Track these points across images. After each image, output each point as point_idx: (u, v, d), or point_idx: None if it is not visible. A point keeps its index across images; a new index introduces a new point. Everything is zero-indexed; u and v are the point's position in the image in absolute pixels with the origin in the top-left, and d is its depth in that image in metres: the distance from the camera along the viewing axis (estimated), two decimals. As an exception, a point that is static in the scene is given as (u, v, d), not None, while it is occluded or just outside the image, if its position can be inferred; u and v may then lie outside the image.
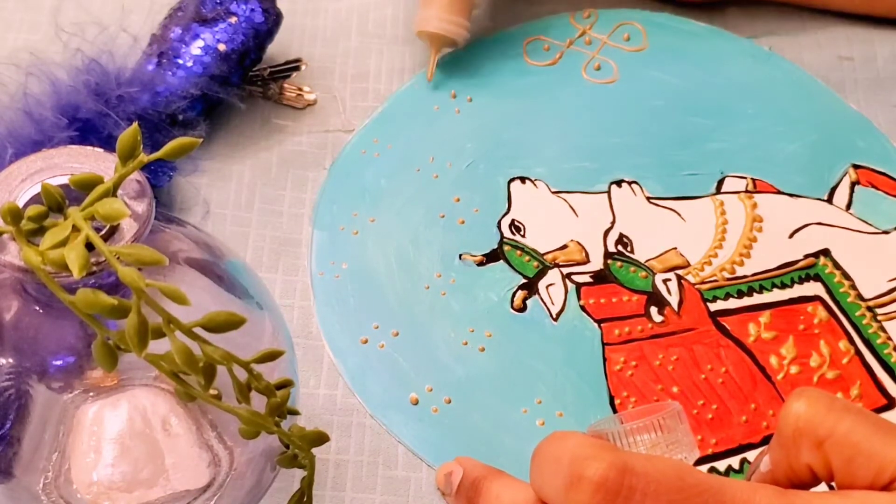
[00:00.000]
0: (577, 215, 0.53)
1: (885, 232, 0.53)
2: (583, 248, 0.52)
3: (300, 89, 0.57)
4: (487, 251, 0.52)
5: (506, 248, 0.52)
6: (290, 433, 0.38)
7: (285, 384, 0.36)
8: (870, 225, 0.53)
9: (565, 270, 0.52)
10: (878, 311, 0.50)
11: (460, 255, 0.52)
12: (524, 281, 0.51)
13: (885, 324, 0.50)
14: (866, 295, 0.51)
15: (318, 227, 0.53)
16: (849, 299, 0.51)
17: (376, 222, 0.53)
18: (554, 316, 0.50)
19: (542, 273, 0.51)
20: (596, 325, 0.50)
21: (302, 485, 0.41)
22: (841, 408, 0.33)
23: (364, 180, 0.54)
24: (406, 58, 0.59)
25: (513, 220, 0.53)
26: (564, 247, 0.52)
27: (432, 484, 0.46)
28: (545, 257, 0.52)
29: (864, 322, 0.50)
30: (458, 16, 0.55)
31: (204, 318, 0.32)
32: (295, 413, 0.38)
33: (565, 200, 0.54)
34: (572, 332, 0.50)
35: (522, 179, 0.54)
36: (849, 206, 0.54)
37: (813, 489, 0.34)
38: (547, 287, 0.51)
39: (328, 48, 0.59)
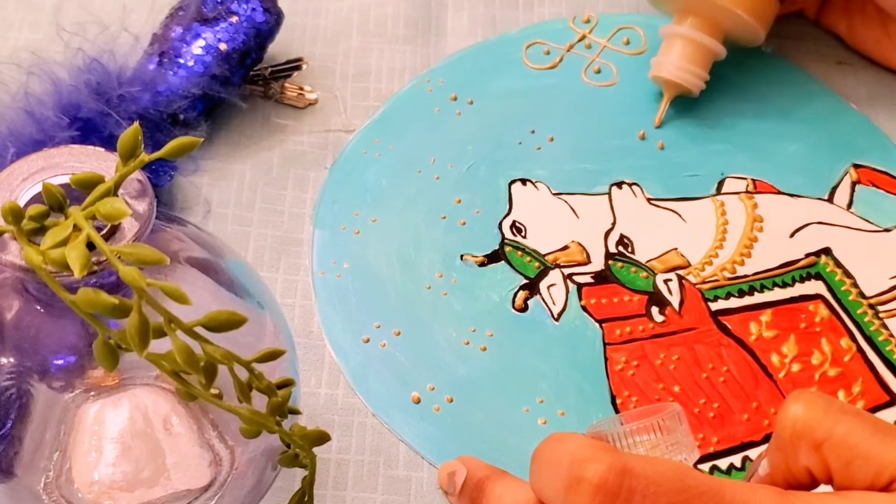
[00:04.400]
0: (577, 217, 0.53)
1: (887, 230, 0.53)
2: (584, 248, 0.52)
3: (301, 89, 0.57)
4: (489, 252, 0.52)
5: (507, 248, 0.52)
6: (292, 432, 0.38)
7: (286, 383, 0.36)
8: (871, 223, 0.53)
9: (566, 271, 0.52)
10: (880, 308, 0.50)
11: (461, 256, 0.52)
12: (525, 281, 0.51)
13: (886, 321, 0.50)
14: (868, 293, 0.51)
15: (320, 226, 0.53)
16: (850, 297, 0.51)
17: (378, 222, 0.53)
18: (555, 316, 0.50)
19: (543, 273, 0.51)
20: (597, 324, 0.50)
21: (303, 484, 0.41)
22: (838, 410, 0.33)
23: (365, 180, 0.55)
24: (407, 57, 0.59)
25: (514, 222, 0.53)
26: (565, 248, 0.52)
27: (434, 483, 0.46)
28: (546, 258, 0.52)
29: (866, 320, 0.50)
30: (697, 66, 0.55)
31: (205, 317, 0.32)
32: (296, 412, 0.38)
33: (566, 202, 0.54)
34: (574, 332, 0.50)
35: (523, 181, 0.55)
36: (850, 206, 0.54)
37: (813, 491, 0.34)
38: (548, 287, 0.51)
39: (329, 47, 0.60)
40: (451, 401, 0.48)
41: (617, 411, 0.48)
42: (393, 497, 0.45)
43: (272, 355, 0.34)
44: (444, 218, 0.53)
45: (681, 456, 0.34)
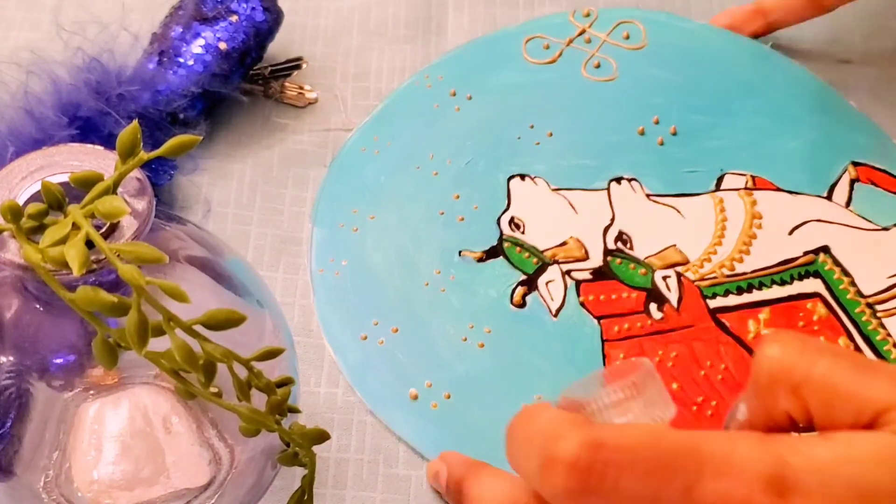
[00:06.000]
0: (576, 212, 0.53)
1: (885, 228, 0.53)
2: (582, 244, 0.52)
3: (301, 88, 0.57)
4: (487, 248, 0.52)
5: (505, 244, 0.52)
6: (291, 431, 0.38)
7: (285, 382, 0.36)
8: (869, 222, 0.53)
9: (565, 267, 0.52)
10: (878, 307, 0.50)
11: (460, 252, 0.52)
12: (524, 277, 0.51)
13: (884, 320, 0.50)
14: (866, 292, 0.51)
15: (318, 224, 0.53)
16: (848, 296, 0.51)
17: (376, 219, 0.53)
18: (553, 312, 0.50)
19: (541, 270, 0.51)
20: (595, 321, 0.50)
21: (303, 483, 0.41)
22: (815, 349, 0.31)
23: (364, 178, 0.55)
24: (407, 57, 0.59)
25: (512, 218, 0.53)
26: (564, 243, 0.52)
27: (433, 481, 0.46)
28: (545, 254, 0.52)
29: (864, 319, 0.50)
30: None
31: (204, 315, 0.32)
32: (295, 411, 0.38)
33: (565, 197, 0.54)
34: (572, 329, 0.50)
35: (522, 177, 0.55)
36: (848, 203, 0.54)
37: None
38: (546, 283, 0.51)
39: (329, 47, 0.59)
40: (449, 398, 0.48)
41: (615, 409, 0.48)
42: (392, 496, 0.45)
43: (271, 354, 0.34)
44: (443, 214, 0.53)
45: (657, 413, 0.33)
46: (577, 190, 0.54)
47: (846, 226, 0.53)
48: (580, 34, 0.60)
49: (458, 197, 0.54)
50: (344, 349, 0.49)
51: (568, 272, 0.51)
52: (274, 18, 0.55)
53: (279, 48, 0.57)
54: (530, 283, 0.51)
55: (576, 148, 0.56)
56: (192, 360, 0.32)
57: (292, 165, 0.55)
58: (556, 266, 0.52)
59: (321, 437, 0.39)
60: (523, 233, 0.53)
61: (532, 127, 0.56)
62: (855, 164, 0.55)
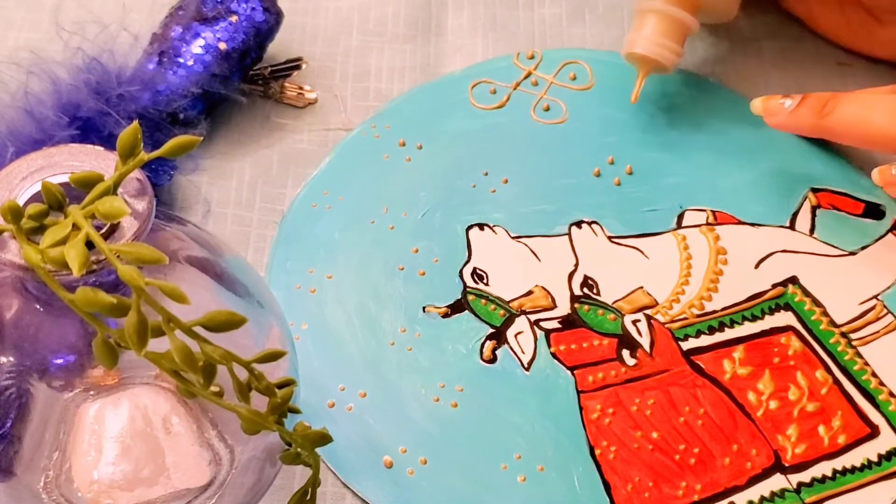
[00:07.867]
0: (539, 260, 0.52)
1: (852, 253, 0.52)
2: (548, 293, 0.51)
3: (301, 88, 0.57)
4: (451, 302, 0.51)
5: (470, 297, 0.51)
6: (294, 432, 0.37)
7: (287, 383, 0.36)
8: (835, 248, 0.53)
9: (533, 317, 0.50)
10: (852, 336, 0.50)
11: (424, 308, 0.50)
12: (492, 331, 0.50)
13: (860, 349, 0.49)
14: (838, 321, 0.50)
15: (273, 286, 0.51)
16: (821, 326, 0.50)
17: (334, 279, 0.51)
18: (525, 365, 0.49)
19: (509, 321, 0.50)
20: (569, 372, 0.49)
21: (306, 484, 0.40)
22: None
23: (317, 235, 0.53)
24: (407, 56, 0.59)
25: (475, 269, 0.52)
26: (530, 293, 0.51)
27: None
28: (511, 305, 0.50)
29: (840, 349, 0.49)
30: (670, 40, 0.53)
31: (204, 317, 0.32)
32: (296, 412, 0.37)
33: (526, 245, 0.53)
34: (545, 382, 0.48)
35: (481, 226, 0.53)
36: (812, 231, 0.53)
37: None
38: (516, 335, 0.49)
39: (329, 47, 0.59)
40: (426, 463, 0.46)
41: (596, 462, 0.46)
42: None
43: (272, 356, 0.34)
44: (402, 269, 0.52)
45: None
46: (538, 237, 0.53)
47: (812, 254, 0.52)
48: (526, 77, 0.59)
49: (416, 250, 0.52)
50: (311, 420, 0.47)
51: (536, 322, 0.50)
52: (274, 18, 0.55)
53: (279, 48, 0.57)
54: (499, 337, 0.49)
55: (533, 193, 0.54)
56: (191, 362, 0.32)
57: (292, 164, 0.55)
58: (523, 317, 0.50)
59: (323, 439, 0.38)
60: (487, 284, 0.51)
61: (486, 174, 0.55)
62: (814, 190, 0.55)
